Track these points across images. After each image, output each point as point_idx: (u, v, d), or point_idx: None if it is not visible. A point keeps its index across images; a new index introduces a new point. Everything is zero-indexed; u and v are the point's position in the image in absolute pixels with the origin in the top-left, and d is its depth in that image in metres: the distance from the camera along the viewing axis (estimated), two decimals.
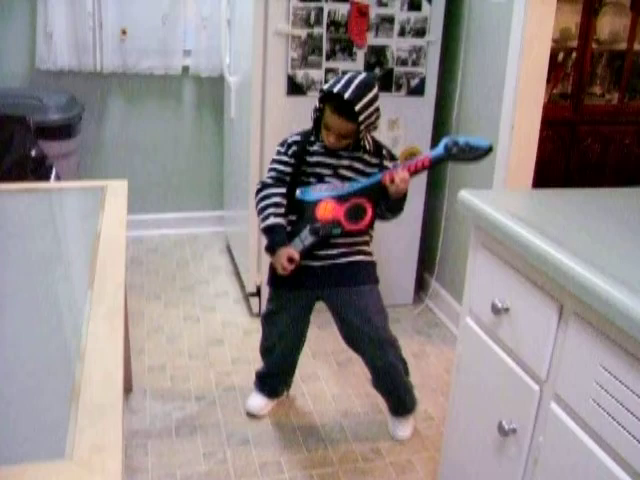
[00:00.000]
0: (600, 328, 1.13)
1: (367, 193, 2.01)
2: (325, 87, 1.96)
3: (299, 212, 2.07)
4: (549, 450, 1.27)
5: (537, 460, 1.31)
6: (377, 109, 1.96)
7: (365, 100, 1.90)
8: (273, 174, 2.09)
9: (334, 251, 2.07)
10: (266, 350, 2.34)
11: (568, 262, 1.18)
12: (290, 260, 2.02)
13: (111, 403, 1.09)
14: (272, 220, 2.04)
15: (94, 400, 1.09)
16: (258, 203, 2.09)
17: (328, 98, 1.95)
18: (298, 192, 2.05)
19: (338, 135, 1.97)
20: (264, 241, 2.11)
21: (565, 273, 1.18)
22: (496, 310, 1.39)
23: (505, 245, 1.38)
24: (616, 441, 1.10)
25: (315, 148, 2.06)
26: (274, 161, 2.11)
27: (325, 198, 2.02)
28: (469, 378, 1.59)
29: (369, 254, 2.15)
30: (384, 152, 2.09)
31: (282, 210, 2.05)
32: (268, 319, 2.28)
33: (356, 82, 1.91)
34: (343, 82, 1.92)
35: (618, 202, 1.59)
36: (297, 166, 2.06)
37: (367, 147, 2.05)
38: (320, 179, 2.05)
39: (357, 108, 1.89)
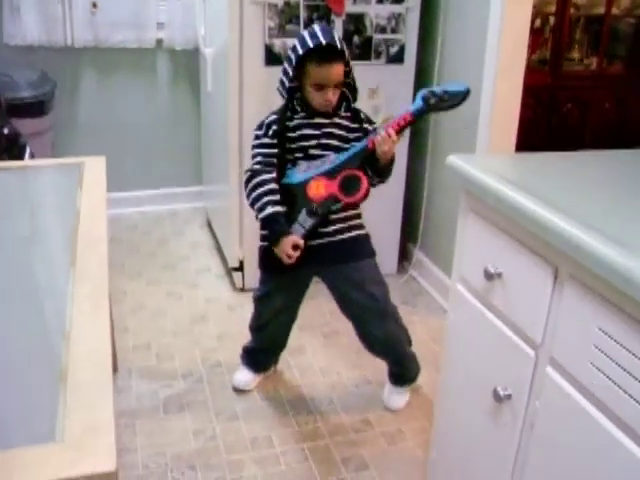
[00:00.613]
0: (597, 290, 1.11)
1: (356, 162, 1.97)
2: (300, 48, 1.91)
3: (290, 197, 1.99)
4: (546, 415, 1.26)
5: (533, 425, 1.30)
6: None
7: (339, 39, 1.92)
8: (259, 159, 2.02)
9: (329, 229, 2.04)
10: (258, 327, 2.30)
11: (563, 224, 1.16)
12: (295, 247, 1.97)
13: (101, 382, 1.05)
14: (270, 209, 1.97)
15: (83, 380, 1.06)
16: (250, 192, 2.00)
17: (311, 55, 1.90)
18: (283, 179, 2.00)
19: (334, 87, 1.94)
20: (247, 215, 2.08)
21: (560, 235, 1.16)
22: (489, 275, 1.37)
23: (497, 209, 1.36)
24: (615, 403, 1.09)
25: (295, 122, 2.01)
26: (255, 146, 2.04)
27: (314, 177, 1.97)
28: (461, 345, 1.58)
29: (362, 227, 2.12)
30: (362, 116, 2.05)
31: (278, 196, 1.98)
32: (262, 300, 2.23)
33: (323, 30, 1.92)
34: (310, 35, 1.91)
35: (605, 164, 1.58)
36: (281, 145, 2.01)
37: (342, 112, 2.02)
38: (304, 151, 2.00)
39: (340, 47, 1.90)
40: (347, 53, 1.93)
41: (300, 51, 1.91)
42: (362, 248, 2.12)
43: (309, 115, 2.00)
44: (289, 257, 1.97)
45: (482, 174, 1.39)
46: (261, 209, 1.98)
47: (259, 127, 2.05)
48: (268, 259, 2.08)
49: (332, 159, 1.98)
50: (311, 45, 1.89)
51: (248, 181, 2.01)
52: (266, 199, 1.97)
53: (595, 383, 1.13)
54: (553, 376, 1.23)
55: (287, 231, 1.97)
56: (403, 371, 2.31)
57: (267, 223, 2.00)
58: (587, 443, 1.15)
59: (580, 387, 1.17)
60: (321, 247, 2.04)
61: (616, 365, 1.08)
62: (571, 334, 1.18)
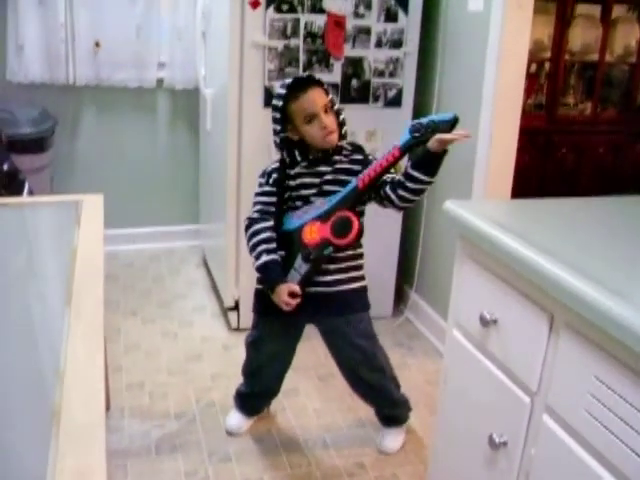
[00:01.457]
0: (593, 338, 1.12)
1: (347, 203, 1.96)
2: (280, 93, 1.95)
3: (288, 243, 2.01)
4: (541, 463, 1.25)
5: (529, 473, 1.29)
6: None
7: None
8: (258, 207, 2.04)
9: (328, 278, 2.02)
10: (251, 372, 2.28)
11: (558, 272, 1.17)
12: (292, 295, 1.96)
13: (94, 424, 1.04)
14: (265, 258, 1.98)
15: (76, 422, 1.05)
16: (249, 240, 2.02)
17: (291, 92, 1.93)
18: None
19: (326, 113, 1.93)
20: (244, 255, 2.08)
21: (556, 283, 1.17)
22: (484, 322, 1.37)
23: (493, 256, 1.37)
24: (611, 452, 1.08)
25: (296, 170, 2.02)
26: (257, 194, 2.06)
27: (308, 221, 1.98)
28: (457, 391, 1.57)
29: (362, 279, 2.11)
30: (366, 154, 2.06)
31: (274, 245, 1.99)
32: (255, 345, 2.21)
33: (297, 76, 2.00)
34: (287, 81, 1.96)
35: (601, 211, 1.59)
36: (280, 193, 2.02)
37: (346, 148, 2.03)
38: (306, 201, 2.01)
39: (316, 77, 1.96)
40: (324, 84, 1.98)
41: (282, 93, 1.94)
42: (359, 302, 2.11)
43: (310, 164, 2.01)
44: (287, 304, 1.96)
45: (478, 220, 1.40)
46: (257, 257, 1.99)
47: (262, 175, 2.07)
48: (262, 303, 2.08)
49: (325, 202, 1.98)
50: (288, 82, 1.94)
51: (247, 229, 2.04)
52: (261, 248, 1.98)
53: (591, 432, 1.12)
54: (549, 424, 1.23)
55: (282, 279, 1.98)
56: (392, 413, 2.30)
57: (262, 272, 2.01)
58: None
59: (576, 435, 1.16)
60: (318, 296, 2.02)
61: (612, 414, 1.08)
62: (567, 382, 1.18)
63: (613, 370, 1.08)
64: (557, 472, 1.21)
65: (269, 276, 1.99)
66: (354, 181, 1.96)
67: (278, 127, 1.98)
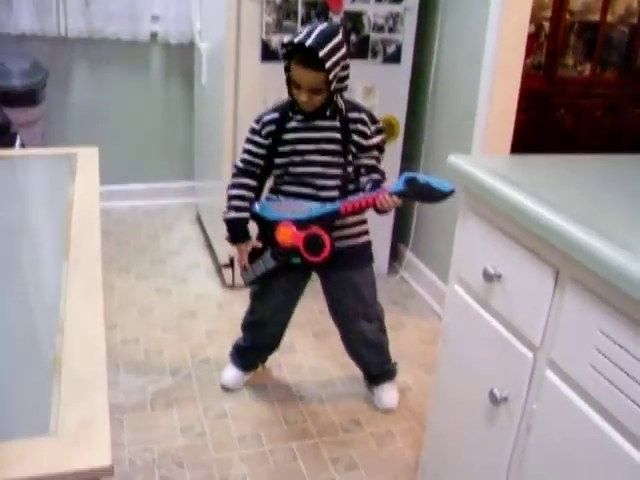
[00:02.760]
0: (599, 292, 1.11)
1: (325, 222, 1.97)
2: (286, 40, 1.89)
3: (263, 229, 2.05)
4: (543, 418, 1.25)
5: (530, 428, 1.29)
6: (344, 57, 1.87)
7: (329, 47, 1.82)
8: (246, 156, 2.06)
9: (335, 233, 2.02)
10: (252, 325, 2.28)
11: (565, 225, 1.16)
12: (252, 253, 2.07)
13: (96, 375, 1.03)
14: (233, 214, 2.05)
15: (78, 373, 1.03)
16: (228, 189, 2.09)
17: (292, 52, 1.88)
18: (257, 207, 2.04)
19: (309, 91, 1.89)
20: None
21: (562, 236, 1.15)
22: (488, 277, 1.36)
23: (498, 210, 1.35)
24: (616, 407, 1.08)
25: (293, 124, 1.99)
26: (248, 140, 2.06)
27: (285, 221, 1.98)
28: (457, 347, 1.57)
29: (367, 233, 2.14)
30: (364, 116, 2.01)
31: (246, 203, 2.05)
32: (260, 297, 2.22)
33: (317, 30, 1.84)
34: (304, 32, 1.85)
35: (605, 168, 1.58)
36: (272, 147, 2.01)
37: (342, 110, 1.99)
38: (302, 155, 1.99)
39: (321, 54, 1.81)
40: (331, 62, 1.83)
41: (285, 43, 1.89)
42: (365, 255, 2.15)
43: (307, 118, 1.98)
44: (242, 264, 2.09)
45: (483, 174, 1.38)
46: (227, 210, 2.07)
47: (256, 121, 2.04)
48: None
49: (305, 209, 1.97)
50: (294, 41, 1.85)
51: (232, 177, 2.10)
52: (234, 203, 2.05)
53: (595, 386, 1.12)
54: (552, 379, 1.22)
55: (245, 238, 2.07)
56: (383, 370, 2.31)
57: (228, 226, 2.09)
58: (586, 447, 1.15)
59: (580, 390, 1.16)
60: None
61: (617, 368, 1.07)
62: (571, 337, 1.17)
63: (619, 324, 1.07)
64: (559, 427, 1.21)
65: (234, 232, 2.08)
66: (338, 203, 1.95)
67: (285, 63, 1.93)
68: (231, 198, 2.06)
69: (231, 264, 2.96)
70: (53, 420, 0.93)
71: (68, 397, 0.98)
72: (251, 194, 2.06)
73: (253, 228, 2.09)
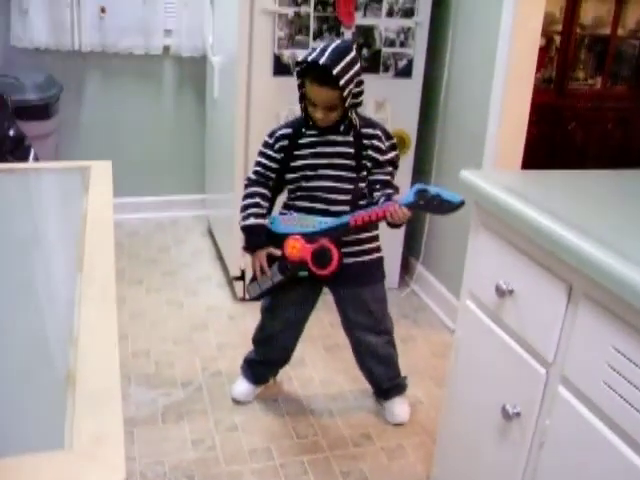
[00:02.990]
0: (612, 309, 1.11)
1: (334, 235, 1.98)
2: (300, 58, 1.92)
3: (273, 241, 2.05)
4: (556, 434, 1.25)
5: (543, 444, 1.29)
6: (358, 73, 1.89)
7: (342, 64, 1.84)
8: (258, 169, 2.08)
9: (346, 249, 2.03)
10: (264, 339, 2.28)
11: (578, 241, 1.16)
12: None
13: (109, 389, 1.04)
14: (252, 220, 2.04)
15: (91, 387, 1.04)
16: (243, 199, 2.09)
17: (306, 70, 1.90)
18: (267, 222, 2.06)
19: (325, 108, 1.92)
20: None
21: (575, 252, 1.15)
22: (500, 292, 1.36)
23: (510, 225, 1.35)
24: (629, 424, 1.08)
25: (306, 140, 2.01)
26: (260, 153, 2.08)
27: (294, 235, 1.99)
28: (469, 362, 1.57)
29: (379, 250, 2.14)
30: (379, 132, 2.03)
31: (264, 211, 2.06)
32: (271, 312, 2.22)
33: (331, 48, 1.86)
34: (318, 50, 1.87)
35: (617, 183, 1.58)
36: (284, 162, 2.03)
37: (357, 125, 2.00)
38: (315, 169, 2.00)
39: (335, 72, 1.82)
40: (345, 79, 1.85)
41: (299, 61, 1.92)
42: (377, 272, 2.16)
43: (321, 132, 2.00)
44: (261, 271, 2.06)
45: (496, 190, 1.39)
46: (244, 218, 2.06)
47: (270, 135, 2.06)
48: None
49: (316, 223, 1.99)
50: (308, 59, 1.87)
51: (245, 187, 2.11)
52: (251, 211, 2.05)
53: (608, 403, 1.12)
54: (565, 395, 1.22)
55: (265, 244, 2.05)
56: (393, 384, 2.31)
57: (247, 233, 2.07)
58: (598, 464, 1.14)
59: (593, 407, 1.16)
60: None
61: (631, 385, 1.07)
62: (584, 353, 1.17)
63: (633, 341, 1.07)
64: (572, 443, 1.21)
65: (253, 239, 2.07)
66: (348, 217, 1.97)
67: (298, 82, 1.95)
68: (247, 207, 2.06)
69: (242, 276, 2.97)
70: (67, 434, 0.93)
71: (82, 411, 0.98)
72: (266, 203, 2.07)
73: None
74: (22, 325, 1.25)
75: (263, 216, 2.05)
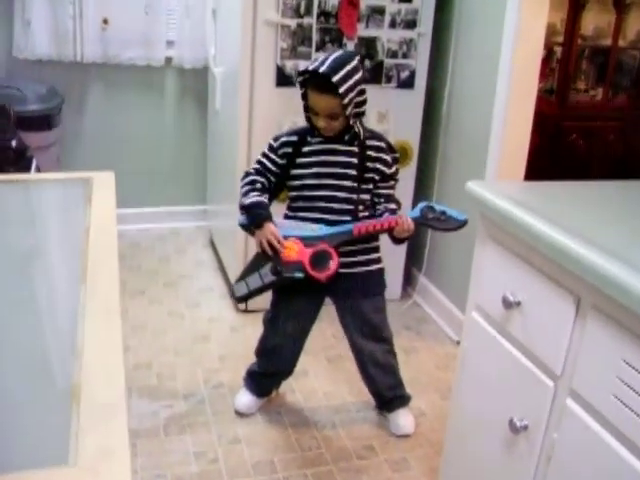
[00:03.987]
0: (622, 321, 1.10)
1: (335, 241, 1.98)
2: (301, 68, 1.96)
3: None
4: (564, 447, 1.24)
5: (551, 458, 1.28)
6: (359, 82, 1.90)
7: (342, 72, 1.85)
8: (259, 167, 2.08)
9: (347, 259, 2.03)
10: (266, 351, 2.27)
11: (586, 252, 1.15)
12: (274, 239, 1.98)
13: (115, 403, 1.02)
14: (255, 198, 2.01)
15: (96, 400, 1.03)
16: (242, 187, 2.07)
17: (308, 80, 1.92)
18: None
19: (326, 116, 1.93)
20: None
21: (583, 264, 1.15)
22: (507, 304, 1.35)
23: (516, 236, 1.34)
24: (639, 437, 1.06)
25: (310, 148, 2.02)
26: (263, 155, 2.08)
27: (292, 237, 1.98)
28: (475, 374, 1.56)
29: (380, 261, 2.15)
30: (384, 145, 2.04)
31: (266, 195, 2.03)
32: (273, 323, 2.22)
33: (332, 57, 1.89)
34: (319, 60, 1.90)
35: (622, 194, 1.57)
36: (286, 169, 2.04)
37: (361, 135, 2.01)
38: (317, 178, 2.01)
39: (335, 79, 1.84)
40: (346, 87, 1.86)
41: (301, 71, 1.95)
42: (378, 283, 2.16)
43: (326, 141, 2.00)
44: (268, 243, 1.97)
45: (503, 201, 1.38)
46: (246, 197, 2.02)
47: (275, 139, 2.07)
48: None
49: (316, 228, 1.99)
50: (309, 68, 1.90)
51: (242, 179, 2.08)
52: (253, 193, 2.02)
53: (618, 416, 1.11)
54: (573, 408, 1.21)
55: (270, 217, 2.00)
56: (396, 394, 2.30)
57: (251, 208, 2.01)
58: (608, 478, 1.13)
59: (602, 420, 1.15)
60: (339, 276, 2.02)
61: None
62: (593, 365, 1.16)
63: None
64: (581, 457, 1.19)
65: (258, 212, 2.00)
66: (351, 225, 1.97)
67: (302, 91, 1.98)
68: (250, 191, 2.02)
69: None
70: (72, 449, 0.92)
71: (87, 425, 0.97)
72: (265, 188, 2.04)
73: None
74: (25, 338, 1.24)
75: (264, 193, 2.02)
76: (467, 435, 1.61)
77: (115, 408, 1.01)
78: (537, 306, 1.31)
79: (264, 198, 2.02)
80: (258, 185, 2.04)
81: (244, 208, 2.03)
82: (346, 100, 1.88)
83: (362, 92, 1.94)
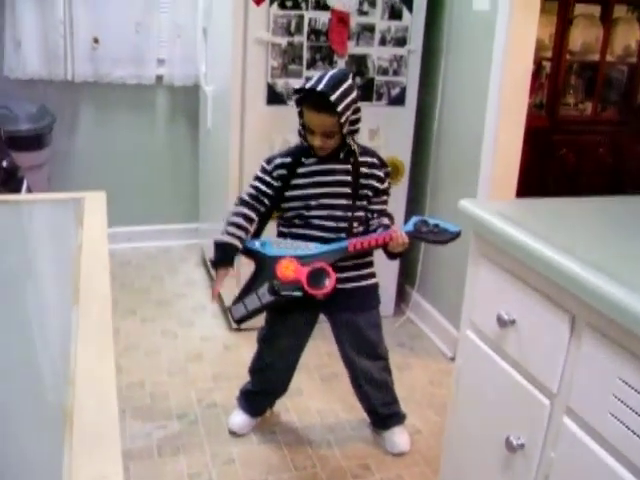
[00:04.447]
0: (617, 339, 1.10)
1: (331, 258, 1.98)
2: (297, 86, 1.96)
3: (257, 266, 2.03)
4: (561, 466, 1.23)
5: (548, 477, 1.27)
6: (355, 101, 1.92)
7: (340, 90, 1.86)
8: (252, 192, 2.06)
9: (341, 274, 2.02)
10: (260, 369, 2.26)
11: (580, 271, 1.15)
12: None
13: (108, 429, 1.01)
14: (226, 238, 2.02)
15: (89, 427, 1.01)
16: (228, 216, 2.07)
17: (305, 98, 1.93)
18: (258, 244, 2.03)
19: (323, 135, 1.93)
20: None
21: (578, 282, 1.15)
22: (502, 323, 1.35)
23: (510, 254, 1.34)
24: (637, 455, 1.06)
25: (305, 169, 2.01)
26: (257, 178, 2.07)
27: (287, 256, 1.98)
28: (471, 392, 1.55)
29: (374, 276, 2.15)
30: (376, 160, 2.05)
31: (243, 233, 2.02)
32: (267, 341, 2.21)
33: (328, 76, 1.90)
34: (315, 79, 1.90)
35: (612, 209, 1.58)
36: (281, 190, 2.03)
37: (356, 152, 2.01)
38: (314, 198, 2.01)
39: (333, 98, 1.85)
40: (343, 105, 1.87)
41: (297, 89, 1.95)
42: (372, 298, 2.16)
43: (321, 161, 2.00)
44: (213, 292, 2.10)
45: (496, 220, 1.38)
46: (222, 233, 2.03)
47: (267, 161, 2.06)
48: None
49: (312, 246, 1.99)
50: (306, 87, 1.91)
51: (234, 205, 2.09)
52: (230, 229, 2.02)
53: (615, 434, 1.10)
54: (570, 426, 1.21)
55: (230, 265, 2.04)
56: (391, 411, 2.28)
57: (217, 248, 2.04)
58: None
59: (598, 438, 1.14)
60: (333, 292, 2.01)
61: (638, 416, 1.06)
62: (589, 383, 1.16)
63: (638, 371, 1.06)
64: (578, 475, 1.19)
65: (221, 255, 2.03)
66: (345, 242, 1.98)
67: (298, 110, 1.97)
68: (228, 224, 2.04)
69: None
70: (66, 475, 0.91)
71: (81, 451, 0.96)
72: (248, 226, 2.04)
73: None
74: (17, 361, 1.23)
75: (239, 238, 2.02)
76: (464, 454, 1.60)
77: (109, 432, 1.00)
78: (532, 324, 1.30)
79: (236, 240, 2.01)
80: (240, 220, 2.03)
81: (215, 243, 2.06)
82: (343, 118, 1.89)
83: (357, 110, 1.95)
